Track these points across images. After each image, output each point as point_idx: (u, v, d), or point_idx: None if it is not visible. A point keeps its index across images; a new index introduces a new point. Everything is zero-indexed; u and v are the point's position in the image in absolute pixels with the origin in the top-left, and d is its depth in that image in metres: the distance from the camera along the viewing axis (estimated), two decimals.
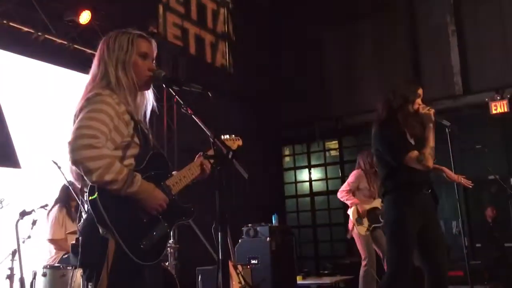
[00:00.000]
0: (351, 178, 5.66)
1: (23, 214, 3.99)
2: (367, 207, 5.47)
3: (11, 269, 3.99)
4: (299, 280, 7.31)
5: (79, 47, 5.98)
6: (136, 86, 2.07)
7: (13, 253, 3.99)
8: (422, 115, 3.35)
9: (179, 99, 1.94)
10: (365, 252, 5.35)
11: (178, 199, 2.09)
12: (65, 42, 5.86)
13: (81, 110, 1.90)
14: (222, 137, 2.53)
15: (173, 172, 2.13)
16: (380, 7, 9.47)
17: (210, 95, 1.96)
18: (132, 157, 1.96)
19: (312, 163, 10.34)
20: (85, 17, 5.74)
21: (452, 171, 4.19)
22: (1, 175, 4.81)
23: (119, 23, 6.55)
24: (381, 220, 5.41)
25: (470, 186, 4.07)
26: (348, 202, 5.57)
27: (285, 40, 10.21)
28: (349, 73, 9.71)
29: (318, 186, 10.26)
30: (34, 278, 4.02)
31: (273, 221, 6.68)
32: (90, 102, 1.90)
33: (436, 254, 3.30)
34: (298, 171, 10.53)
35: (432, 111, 3.35)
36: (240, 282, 4.92)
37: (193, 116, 1.84)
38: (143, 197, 1.86)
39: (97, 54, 2.11)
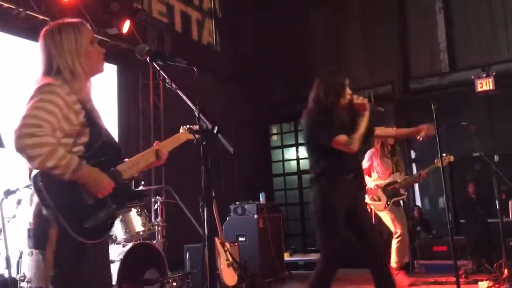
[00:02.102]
0: (365, 157, 5.69)
1: (8, 193, 3.94)
2: (383, 183, 5.51)
3: None
4: (287, 257, 7.39)
5: None
6: (90, 72, 2.19)
7: None
8: (356, 105, 3.50)
9: (163, 73, 1.92)
10: (393, 223, 5.38)
11: (129, 182, 2.21)
12: (47, 18, 5.72)
13: (30, 99, 1.97)
14: (183, 128, 2.60)
15: (126, 159, 2.23)
16: None
17: (196, 70, 1.93)
18: (81, 145, 2.05)
19: (300, 141, 10.36)
20: None
21: (438, 148, 4.25)
22: None
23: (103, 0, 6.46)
24: (402, 193, 5.52)
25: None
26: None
27: (270, 16, 10.10)
28: (336, 52, 9.66)
29: (305, 165, 10.29)
30: (20, 257, 4.01)
31: (261, 199, 6.71)
32: (40, 91, 1.98)
33: (368, 235, 3.47)
34: (285, 150, 10.55)
35: (365, 100, 3.53)
36: (227, 259, 4.96)
37: (177, 90, 1.82)
38: (88, 181, 1.97)
39: (42, 48, 2.13)
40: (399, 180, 5.54)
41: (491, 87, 7.86)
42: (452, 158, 5.47)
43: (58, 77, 2.05)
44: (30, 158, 1.87)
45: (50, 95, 1.96)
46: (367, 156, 5.71)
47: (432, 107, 3.87)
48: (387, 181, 5.55)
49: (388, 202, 5.43)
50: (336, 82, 3.59)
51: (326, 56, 9.71)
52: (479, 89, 7.93)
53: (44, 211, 1.91)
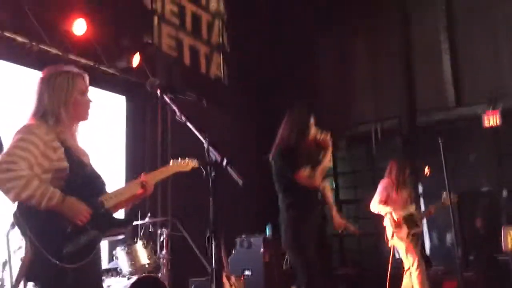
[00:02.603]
0: (380, 187, 5.66)
1: (14, 224, 3.94)
2: (403, 213, 5.45)
3: (2, 280, 3.93)
4: None
5: (74, 58, 5.98)
6: (76, 120, 2.38)
7: (4, 264, 3.94)
8: (320, 141, 3.79)
9: (173, 106, 1.96)
10: (411, 256, 5.31)
11: (112, 211, 2.36)
12: (60, 53, 5.86)
13: (12, 140, 2.19)
14: (173, 161, 2.83)
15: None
16: (374, 23, 9.55)
17: (205, 103, 1.98)
18: (62, 179, 2.21)
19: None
20: (80, 28, 5.74)
21: (445, 183, 4.27)
22: None
23: (114, 34, 6.64)
24: (419, 225, 5.47)
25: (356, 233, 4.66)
26: (382, 213, 5.53)
27: (279, 50, 10.25)
28: (343, 86, 9.75)
29: None
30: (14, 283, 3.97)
31: (267, 231, 6.66)
32: (19, 132, 2.20)
33: (328, 266, 3.87)
34: None
35: (327, 136, 3.80)
36: None
37: (187, 122, 1.85)
38: (63, 209, 2.11)
39: (36, 89, 2.34)
40: (414, 212, 5.50)
41: (498, 123, 7.87)
42: (457, 198, 5.46)
43: (41, 120, 2.26)
44: (6, 191, 2.05)
45: (27, 134, 2.17)
46: (381, 186, 5.66)
47: (439, 141, 3.89)
48: (404, 213, 5.47)
49: (410, 233, 5.37)
50: (301, 120, 3.84)
51: (333, 90, 9.80)
52: (486, 125, 7.95)
53: (23, 240, 2.11)
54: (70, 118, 2.32)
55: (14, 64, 5.56)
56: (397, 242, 5.42)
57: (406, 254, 5.36)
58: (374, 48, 9.61)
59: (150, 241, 5.02)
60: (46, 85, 2.33)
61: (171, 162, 2.77)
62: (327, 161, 3.74)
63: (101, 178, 2.42)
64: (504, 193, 7.84)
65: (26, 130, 2.21)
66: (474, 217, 7.86)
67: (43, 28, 5.65)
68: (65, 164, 2.22)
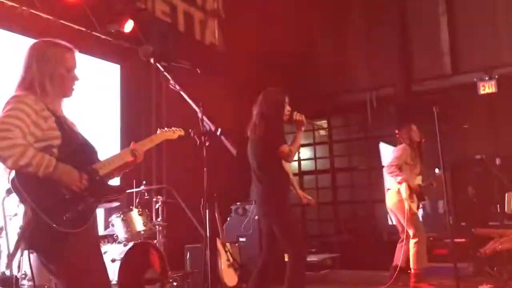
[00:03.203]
0: (397, 152, 5.48)
1: (9, 191, 3.93)
2: (415, 183, 5.38)
3: None
4: (287, 258, 7.38)
5: (66, 23, 5.87)
6: (60, 95, 2.40)
7: (0, 230, 3.98)
8: (295, 121, 3.98)
9: (167, 74, 1.94)
10: (414, 228, 5.25)
11: (106, 177, 2.42)
12: (51, 17, 5.74)
13: (2, 110, 2.22)
14: (160, 130, 2.79)
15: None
16: None
17: (199, 71, 1.95)
18: (55, 147, 2.24)
19: (301, 142, 10.34)
20: None
21: (439, 151, 4.28)
22: None
23: None
24: (425, 198, 5.47)
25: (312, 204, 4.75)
26: (398, 179, 5.33)
27: (274, 19, 10.08)
28: (337, 52, 9.65)
29: (307, 165, 10.29)
30: (21, 255, 4.01)
31: None
32: (9, 102, 2.23)
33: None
34: None
35: (303, 116, 3.98)
36: (228, 260, 4.97)
37: (181, 92, 1.83)
38: (60, 176, 2.16)
39: (25, 60, 2.38)
40: (421, 184, 5.44)
41: (493, 90, 7.85)
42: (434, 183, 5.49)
43: (28, 91, 2.29)
44: (3, 159, 2.07)
45: (18, 104, 2.19)
46: (400, 150, 5.49)
47: (434, 110, 3.88)
48: (417, 182, 5.42)
49: (418, 205, 5.35)
50: (276, 100, 4.00)
51: (327, 58, 9.71)
52: (482, 92, 7.93)
53: (24, 207, 2.12)
54: (55, 92, 2.34)
55: (3, 30, 5.45)
56: (405, 211, 5.23)
57: (409, 223, 5.28)
58: (369, 15, 9.48)
59: (146, 208, 5.06)
60: (35, 56, 2.35)
61: (158, 130, 2.83)
62: (299, 139, 4.01)
63: (93, 147, 2.46)
64: (498, 161, 7.90)
65: (16, 100, 2.23)
66: (467, 185, 7.94)
67: None
68: (57, 133, 2.26)
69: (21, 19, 5.53)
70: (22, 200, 2.12)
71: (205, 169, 1.66)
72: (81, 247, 2.17)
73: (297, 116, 3.96)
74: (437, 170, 5.31)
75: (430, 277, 5.66)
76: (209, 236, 1.72)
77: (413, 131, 5.51)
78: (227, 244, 5.20)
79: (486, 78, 7.82)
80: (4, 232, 3.93)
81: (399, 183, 5.35)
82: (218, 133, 1.66)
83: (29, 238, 2.12)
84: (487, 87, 7.78)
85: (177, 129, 2.91)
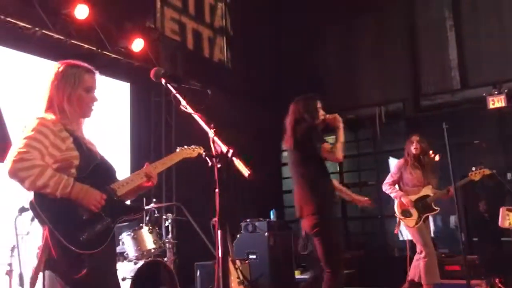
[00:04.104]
0: (393, 168, 5.54)
1: (22, 210, 3.98)
2: (414, 197, 5.31)
3: (10, 264, 3.99)
4: (297, 275, 7.33)
5: (76, 42, 5.96)
6: (79, 116, 2.41)
7: (12, 249, 4.00)
8: (329, 120, 3.88)
9: (179, 96, 1.96)
10: (421, 242, 5.15)
11: (124, 198, 2.42)
12: (62, 37, 5.83)
13: (23, 131, 2.24)
14: (180, 148, 2.87)
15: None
16: (379, 2, 9.45)
17: (209, 92, 1.97)
18: (73, 167, 2.26)
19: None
20: (82, 12, 5.71)
21: (449, 166, 4.26)
22: None
23: (116, 18, 6.59)
24: (435, 208, 5.35)
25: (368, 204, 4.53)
26: (392, 195, 5.42)
27: (283, 34, 10.19)
28: (348, 68, 9.69)
29: None
30: (33, 274, 4.02)
31: (271, 216, 6.70)
32: (28, 124, 2.25)
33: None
34: None
35: (335, 115, 3.89)
36: (238, 277, 4.94)
37: (192, 114, 1.85)
38: (79, 197, 2.16)
39: (46, 81, 2.40)
40: (431, 194, 5.32)
41: (503, 104, 7.81)
42: (488, 171, 5.28)
43: (48, 112, 2.33)
44: (22, 180, 2.09)
45: (37, 126, 2.22)
46: (395, 167, 5.54)
47: (444, 126, 3.88)
48: (418, 195, 5.33)
49: (419, 218, 5.23)
50: (308, 104, 3.94)
51: (338, 73, 9.75)
52: (491, 106, 7.90)
53: (41, 227, 2.13)
54: (73, 113, 2.36)
55: (17, 50, 5.54)
56: (406, 228, 5.31)
57: (414, 239, 5.23)
58: (379, 31, 9.53)
59: (156, 226, 5.06)
60: (54, 77, 2.38)
61: (177, 149, 2.83)
62: (342, 136, 3.81)
63: (111, 166, 2.47)
64: (509, 175, 7.83)
65: (35, 122, 2.26)
66: (478, 200, 7.87)
67: (46, 13, 5.63)
68: (75, 153, 2.27)
69: (34, 39, 5.63)
70: (39, 221, 2.12)
71: (216, 190, 1.67)
72: (96, 268, 2.15)
73: (328, 117, 3.90)
74: (474, 169, 5.22)
75: None
76: (221, 258, 1.71)
77: (411, 143, 5.46)
78: (237, 261, 5.17)
79: (496, 92, 7.80)
80: (16, 250, 3.95)
81: (395, 198, 5.41)
82: (230, 154, 1.67)
83: (47, 260, 2.13)
84: (497, 102, 7.75)
85: (197, 147, 2.88)
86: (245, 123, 8.87)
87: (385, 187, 5.51)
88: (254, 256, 6.11)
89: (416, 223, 5.22)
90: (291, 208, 10.21)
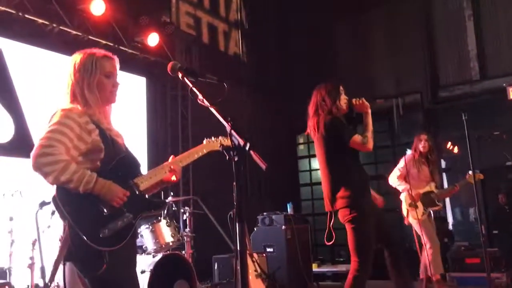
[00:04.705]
0: (400, 162, 5.56)
1: (43, 204, 4.05)
2: (421, 191, 5.40)
3: (32, 258, 4.07)
4: (315, 268, 7.34)
5: (94, 38, 6.01)
6: (102, 102, 2.36)
7: (34, 243, 4.07)
8: (356, 106, 3.72)
9: (195, 90, 1.96)
10: (426, 236, 5.21)
11: (146, 193, 2.37)
12: (80, 34, 5.89)
13: (48, 123, 2.22)
14: (207, 140, 2.74)
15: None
16: None
17: (226, 86, 1.97)
18: (98, 160, 2.24)
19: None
20: (98, 8, 5.75)
21: (469, 158, 4.22)
22: (19, 166, 4.89)
23: (132, 13, 6.62)
24: (438, 203, 5.41)
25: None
26: (400, 188, 5.47)
27: (297, 28, 10.12)
28: (362, 60, 9.60)
29: None
30: (54, 265, 4.09)
31: (288, 209, 6.69)
32: (54, 117, 2.23)
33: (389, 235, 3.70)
34: (312, 159, 10.51)
35: (362, 99, 3.72)
36: (255, 270, 4.95)
37: (209, 107, 1.85)
38: (101, 192, 2.14)
39: (66, 73, 2.37)
40: (434, 190, 5.42)
41: None
42: (482, 176, 5.38)
43: (74, 102, 2.30)
44: (45, 175, 2.07)
45: (62, 118, 2.19)
46: (402, 161, 5.53)
47: (463, 117, 3.82)
48: (424, 189, 5.41)
49: (425, 211, 5.33)
50: (330, 90, 3.77)
51: (352, 65, 9.66)
52: (511, 97, 7.75)
53: (62, 223, 2.10)
54: (96, 100, 2.31)
55: (35, 46, 5.61)
56: (412, 220, 5.36)
57: (421, 232, 5.31)
58: (395, 21, 9.40)
59: (173, 219, 5.10)
60: (74, 67, 2.34)
61: (204, 140, 2.70)
62: (371, 123, 3.70)
63: (136, 160, 2.42)
64: None
65: (61, 114, 2.22)
66: (498, 192, 7.76)
67: (63, 10, 5.68)
68: (101, 145, 2.24)
69: (52, 36, 5.70)
70: (61, 216, 2.10)
71: (234, 184, 1.67)
72: (116, 265, 2.11)
73: (355, 101, 3.72)
74: (470, 172, 5.22)
75: (463, 287, 5.52)
76: (240, 251, 1.71)
77: (419, 141, 5.52)
78: (254, 254, 5.19)
79: None
80: (38, 244, 4.02)
81: (402, 192, 5.47)
82: (247, 148, 1.66)
83: (68, 252, 2.14)
84: None
85: (224, 138, 2.78)
86: (261, 116, 8.88)
87: (393, 180, 5.53)
88: (271, 249, 6.12)
89: (421, 215, 5.29)
90: (308, 201, 10.30)
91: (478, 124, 5.55)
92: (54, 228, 4.14)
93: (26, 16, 5.34)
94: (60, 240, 2.23)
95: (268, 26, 9.73)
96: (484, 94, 8.25)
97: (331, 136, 3.59)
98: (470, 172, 5.01)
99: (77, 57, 2.36)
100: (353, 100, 3.71)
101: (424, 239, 5.24)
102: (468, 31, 8.68)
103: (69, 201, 2.10)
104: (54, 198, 2.11)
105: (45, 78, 5.49)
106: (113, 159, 2.26)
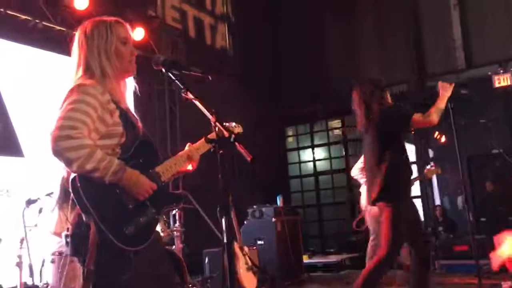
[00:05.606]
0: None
1: (29, 202, 4.01)
2: None
3: (20, 256, 4.03)
4: (306, 259, 7.37)
5: None
6: (121, 73, 2.10)
7: (21, 241, 4.03)
8: (441, 87, 3.74)
9: (179, 83, 1.93)
10: (373, 229, 5.28)
11: (167, 185, 2.12)
12: (64, 29, 5.82)
13: (64, 101, 1.91)
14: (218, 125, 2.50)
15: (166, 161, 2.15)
16: None
17: (210, 78, 1.95)
18: (118, 145, 1.97)
19: (316, 142, 10.34)
20: (82, 3, 5.68)
21: (455, 147, 4.26)
22: (5, 164, 4.83)
23: (116, 8, 6.55)
24: None
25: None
26: (361, 181, 5.49)
27: (284, 18, 10.10)
28: (350, 52, 9.63)
29: (322, 166, 10.27)
30: (42, 265, 4.06)
31: (278, 202, 6.71)
32: (73, 93, 1.91)
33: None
34: (301, 151, 10.54)
35: (453, 84, 3.77)
36: (246, 263, 4.96)
37: (193, 100, 1.83)
38: (128, 183, 1.87)
39: (75, 45, 2.08)
40: None
41: (508, 83, 7.74)
42: (439, 170, 5.39)
43: (90, 76, 2.00)
44: (68, 162, 1.78)
45: (84, 96, 1.89)
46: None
47: (449, 106, 3.85)
48: None
49: None
50: (376, 83, 3.84)
51: (340, 57, 9.68)
52: (497, 85, 7.83)
53: (84, 217, 1.83)
54: (115, 70, 2.05)
55: (18, 43, 5.53)
56: (367, 212, 5.34)
57: (371, 227, 5.35)
58: (381, 12, 9.43)
59: (163, 214, 5.08)
60: (84, 37, 2.06)
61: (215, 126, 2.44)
62: (443, 103, 3.70)
63: (153, 143, 2.15)
64: None
65: (81, 90, 1.92)
66: (485, 180, 7.85)
67: (46, 5, 5.61)
68: (121, 129, 1.98)
69: (35, 32, 5.62)
70: (82, 209, 1.81)
71: (219, 176, 1.66)
72: (139, 271, 1.87)
73: (442, 83, 3.78)
74: (428, 166, 5.29)
75: (452, 274, 5.60)
76: (227, 243, 1.70)
77: None
78: (245, 247, 5.19)
79: (501, 71, 7.72)
80: (25, 242, 3.99)
81: (364, 184, 5.47)
82: (232, 139, 1.65)
83: (78, 245, 1.87)
84: (502, 80, 7.67)
85: (236, 125, 2.53)
86: (250, 109, 8.86)
87: (355, 172, 5.51)
88: (262, 242, 6.14)
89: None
90: (298, 193, 10.33)
91: (464, 113, 5.60)
92: (41, 226, 4.11)
93: (8, 12, 5.26)
94: (68, 233, 1.96)
95: (255, 19, 9.69)
96: (470, 83, 8.31)
97: (389, 125, 3.64)
98: (428, 166, 5.06)
99: (86, 25, 2.08)
100: (440, 82, 3.79)
101: (372, 231, 5.28)
102: (454, 20, 8.73)
103: (92, 192, 1.82)
104: (75, 189, 1.82)
105: (28, 75, 5.42)
106: (133, 144, 2.00)
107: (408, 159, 3.81)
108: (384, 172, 3.60)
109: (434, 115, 3.57)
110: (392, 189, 3.55)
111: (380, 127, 3.67)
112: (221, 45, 8.97)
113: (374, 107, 3.72)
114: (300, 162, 10.52)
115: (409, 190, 3.76)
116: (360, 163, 5.52)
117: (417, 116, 3.56)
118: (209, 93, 2.09)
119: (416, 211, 3.84)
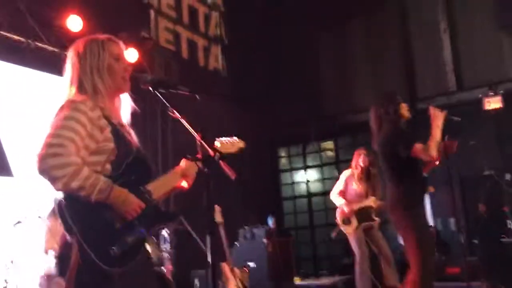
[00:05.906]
0: (340, 180, 5.75)
1: (18, 223, 3.97)
2: (356, 206, 5.49)
3: (6, 281, 3.96)
4: (298, 282, 7.30)
5: None
6: (114, 90, 2.11)
7: (8, 264, 3.97)
8: (433, 116, 3.80)
9: (165, 101, 1.95)
10: (356, 248, 5.39)
11: (159, 203, 2.08)
12: (57, 50, 5.84)
13: (54, 117, 1.92)
14: (219, 139, 2.41)
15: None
16: (371, 5, 9.49)
17: (198, 97, 1.96)
18: (108, 162, 1.95)
19: (308, 164, 10.34)
20: (76, 24, 5.72)
21: (446, 167, 4.28)
22: None
23: (110, 29, 6.59)
24: (374, 219, 5.48)
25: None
26: (337, 204, 5.62)
27: (277, 42, 10.21)
28: (342, 74, 9.72)
29: (315, 187, 10.25)
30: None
31: (269, 223, 6.67)
32: (63, 109, 1.92)
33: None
34: (294, 172, 10.53)
35: (445, 112, 3.83)
36: (237, 285, 4.91)
37: (179, 119, 1.84)
38: (116, 202, 1.84)
39: (68, 64, 2.11)
40: (373, 205, 5.50)
41: (499, 105, 7.82)
42: (432, 188, 5.43)
43: (81, 93, 2.01)
44: (53, 180, 1.77)
45: (73, 112, 1.89)
46: (343, 176, 5.73)
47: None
48: (360, 205, 5.52)
49: (358, 227, 5.42)
50: (388, 99, 3.92)
51: (333, 79, 9.77)
52: (487, 108, 7.91)
53: (67, 236, 1.80)
54: (107, 86, 2.04)
55: (11, 63, 5.54)
56: (348, 235, 5.49)
57: (351, 245, 5.44)
58: (372, 35, 9.56)
59: (152, 235, 5.04)
60: (76, 54, 2.08)
61: (218, 143, 2.29)
62: (439, 134, 3.72)
63: (148, 159, 2.13)
64: (507, 176, 7.81)
65: (71, 106, 1.92)
66: (477, 202, 7.85)
67: (39, 26, 5.64)
68: (112, 145, 1.96)
69: (28, 52, 5.64)
70: (66, 229, 1.78)
71: (205, 195, 1.66)
72: None
73: (433, 111, 3.80)
74: None
75: None
76: (213, 262, 1.69)
77: (358, 156, 5.67)
78: (236, 269, 5.15)
79: (491, 93, 7.81)
80: (13, 265, 3.92)
81: (338, 206, 5.61)
82: (216, 158, 1.66)
83: (62, 265, 1.92)
84: (492, 103, 7.76)
85: (237, 140, 2.45)
86: (242, 130, 8.85)
87: (333, 196, 5.68)
88: (253, 264, 6.09)
89: (354, 231, 5.41)
90: (290, 215, 10.27)
91: (455, 134, 5.60)
92: (30, 248, 4.05)
93: (1, 32, 5.28)
94: (55, 254, 1.95)
95: (249, 41, 9.78)
96: (461, 105, 8.38)
97: (394, 146, 3.67)
98: None
99: (79, 44, 2.11)
100: (431, 110, 3.82)
101: (356, 251, 5.37)
102: (444, 43, 8.86)
103: (76, 211, 1.79)
104: (59, 206, 1.81)
105: (20, 95, 5.42)
106: (125, 161, 1.97)
107: (420, 176, 3.79)
108: (398, 190, 3.65)
109: (434, 150, 3.59)
110: (407, 206, 3.56)
111: (381, 149, 3.74)
112: (214, 67, 9.02)
113: (384, 126, 3.76)
114: (293, 183, 10.50)
115: (423, 207, 3.76)
116: (336, 188, 5.62)
117: (418, 146, 3.58)
118: (201, 113, 2.10)
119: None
